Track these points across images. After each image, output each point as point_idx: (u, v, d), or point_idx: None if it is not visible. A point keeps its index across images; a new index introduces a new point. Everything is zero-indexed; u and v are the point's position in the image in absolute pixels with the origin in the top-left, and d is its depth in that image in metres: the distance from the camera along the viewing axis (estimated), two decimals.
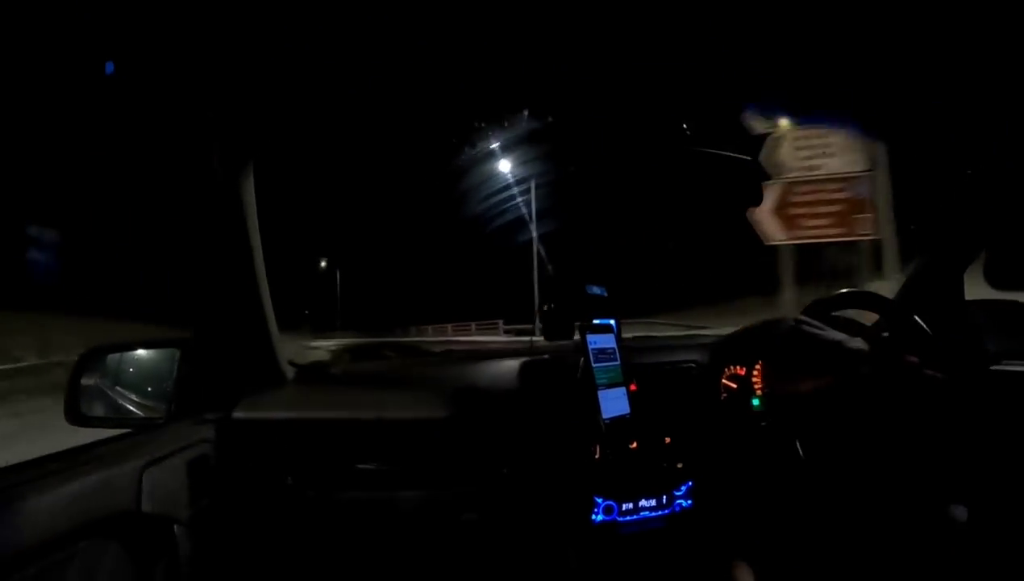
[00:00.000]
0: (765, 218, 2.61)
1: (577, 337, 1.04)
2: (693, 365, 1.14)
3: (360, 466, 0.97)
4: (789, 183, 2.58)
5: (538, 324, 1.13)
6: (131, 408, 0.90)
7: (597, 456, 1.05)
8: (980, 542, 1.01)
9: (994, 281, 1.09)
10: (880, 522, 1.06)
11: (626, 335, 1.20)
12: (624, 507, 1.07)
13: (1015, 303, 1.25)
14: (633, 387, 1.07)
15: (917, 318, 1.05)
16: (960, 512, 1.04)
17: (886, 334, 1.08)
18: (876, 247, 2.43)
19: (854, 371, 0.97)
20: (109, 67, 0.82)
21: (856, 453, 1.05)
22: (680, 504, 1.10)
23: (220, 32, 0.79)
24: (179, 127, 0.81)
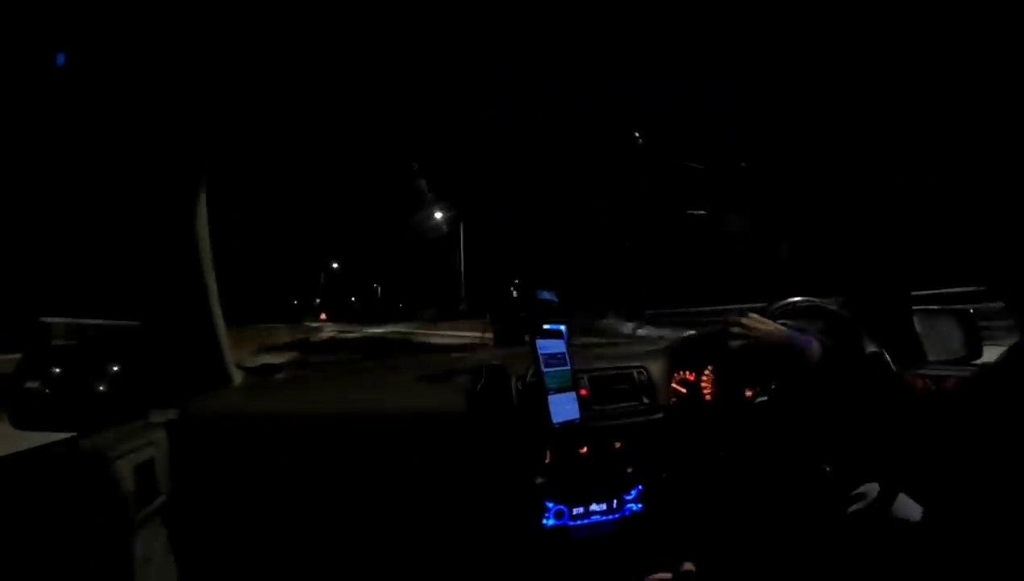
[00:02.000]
0: None
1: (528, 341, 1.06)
2: (643, 370, 1.16)
3: (307, 466, 0.97)
4: None
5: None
6: (77, 410, 0.89)
7: (547, 461, 1.06)
8: (926, 539, 1.03)
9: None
10: (828, 521, 1.08)
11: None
12: (575, 511, 1.08)
13: (958, 311, 1.29)
14: (583, 392, 1.09)
15: (860, 327, 1.08)
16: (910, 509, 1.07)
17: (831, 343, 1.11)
18: None
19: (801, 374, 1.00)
20: (60, 58, 0.83)
21: (805, 454, 1.08)
22: (630, 508, 1.11)
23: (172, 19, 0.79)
24: (126, 116, 0.81)
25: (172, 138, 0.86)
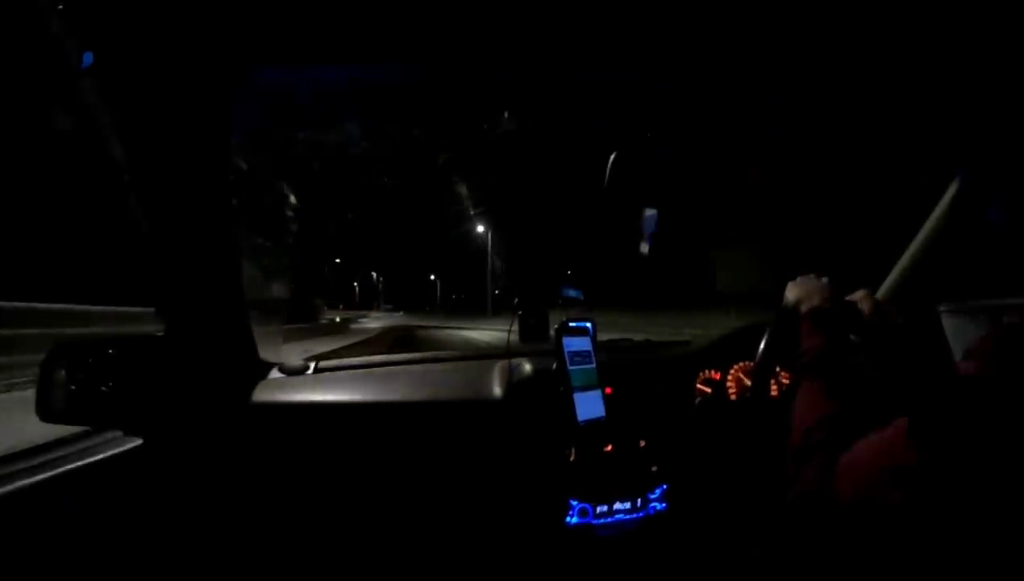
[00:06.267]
0: None
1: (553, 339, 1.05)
2: (668, 369, 1.15)
3: (332, 461, 0.97)
4: None
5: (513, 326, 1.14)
6: (103, 404, 0.89)
7: (572, 458, 1.05)
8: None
9: None
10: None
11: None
12: (599, 509, 1.07)
13: (988, 310, 1.28)
14: (608, 390, 1.08)
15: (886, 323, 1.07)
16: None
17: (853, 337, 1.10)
18: None
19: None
20: (88, 57, 0.82)
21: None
22: (655, 507, 1.11)
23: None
24: (151, 107, 0.80)
25: (197, 126, 0.85)
